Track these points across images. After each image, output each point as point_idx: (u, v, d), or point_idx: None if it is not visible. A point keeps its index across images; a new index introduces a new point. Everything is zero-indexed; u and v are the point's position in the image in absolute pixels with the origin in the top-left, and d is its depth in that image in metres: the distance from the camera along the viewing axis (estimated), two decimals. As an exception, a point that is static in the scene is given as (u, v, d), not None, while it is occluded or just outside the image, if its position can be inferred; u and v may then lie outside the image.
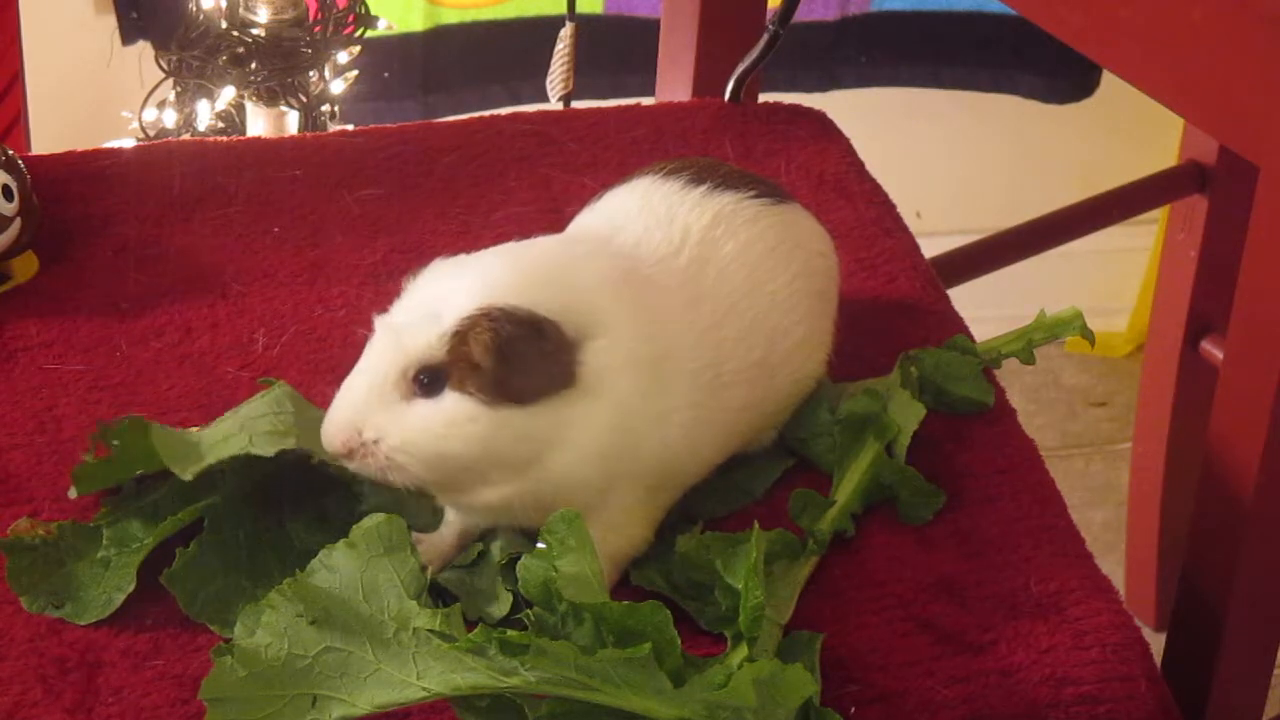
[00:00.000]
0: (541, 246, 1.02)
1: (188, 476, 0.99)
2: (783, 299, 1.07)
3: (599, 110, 1.40)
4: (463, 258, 1.00)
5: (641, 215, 1.06)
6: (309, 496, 1.03)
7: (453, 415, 0.95)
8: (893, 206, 1.33)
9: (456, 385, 0.95)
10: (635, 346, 0.98)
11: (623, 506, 1.00)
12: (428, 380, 0.95)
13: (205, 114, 1.76)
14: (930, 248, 1.42)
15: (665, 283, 1.02)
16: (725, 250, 1.05)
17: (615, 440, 0.98)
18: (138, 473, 1.03)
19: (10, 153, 1.21)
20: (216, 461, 1.00)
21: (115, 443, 1.03)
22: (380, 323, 0.98)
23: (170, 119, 1.78)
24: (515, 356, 0.95)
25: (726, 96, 1.43)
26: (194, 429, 1.03)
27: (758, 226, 1.07)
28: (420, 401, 0.96)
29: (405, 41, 2.04)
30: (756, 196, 1.08)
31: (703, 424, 1.02)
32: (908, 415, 1.09)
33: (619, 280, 1.00)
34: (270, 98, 1.75)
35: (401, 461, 0.96)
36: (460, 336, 0.95)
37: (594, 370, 0.97)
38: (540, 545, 0.92)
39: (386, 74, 2.04)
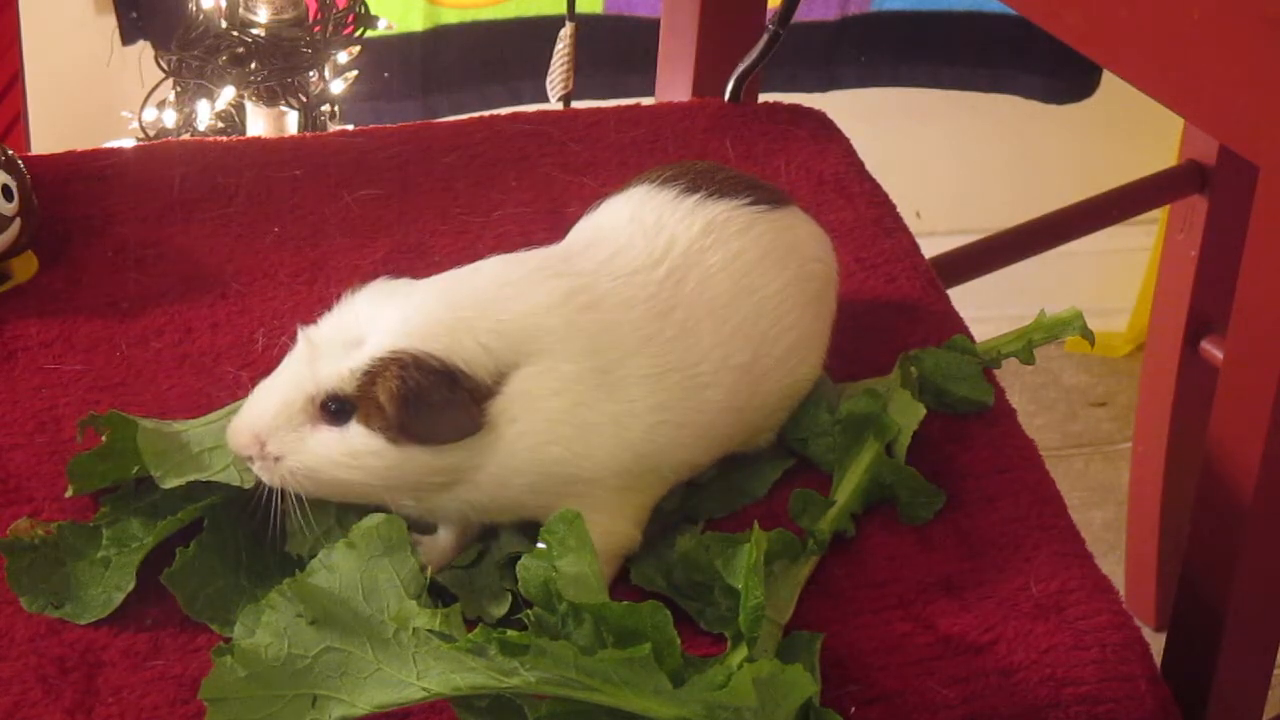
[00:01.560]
0: (483, 275, 1.02)
1: (166, 485, 0.99)
2: (773, 305, 1.07)
3: (599, 110, 1.40)
4: (403, 284, 1.00)
5: (629, 226, 1.07)
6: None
7: (355, 448, 0.97)
8: (893, 206, 1.33)
9: (363, 420, 0.96)
10: (571, 365, 0.99)
11: (590, 507, 1.00)
12: (335, 409, 0.96)
13: (205, 114, 1.76)
14: (930, 248, 1.42)
15: (629, 295, 1.03)
16: (712, 259, 1.06)
17: (548, 454, 0.99)
18: (135, 471, 1.03)
19: (10, 153, 1.21)
20: (196, 479, 1.00)
21: (107, 435, 1.03)
22: (303, 334, 0.99)
23: (170, 119, 1.78)
24: (422, 405, 0.95)
25: (726, 96, 1.43)
26: (185, 424, 1.03)
27: (750, 234, 1.08)
28: (325, 428, 0.97)
29: (405, 41, 2.04)
30: (752, 204, 1.09)
31: (672, 425, 1.02)
32: (908, 415, 1.09)
33: (561, 301, 1.00)
34: (270, 98, 1.75)
35: (300, 481, 0.97)
36: (370, 377, 0.96)
37: (521, 394, 0.98)
38: (540, 545, 0.93)
39: (386, 74, 2.04)
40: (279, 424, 0.96)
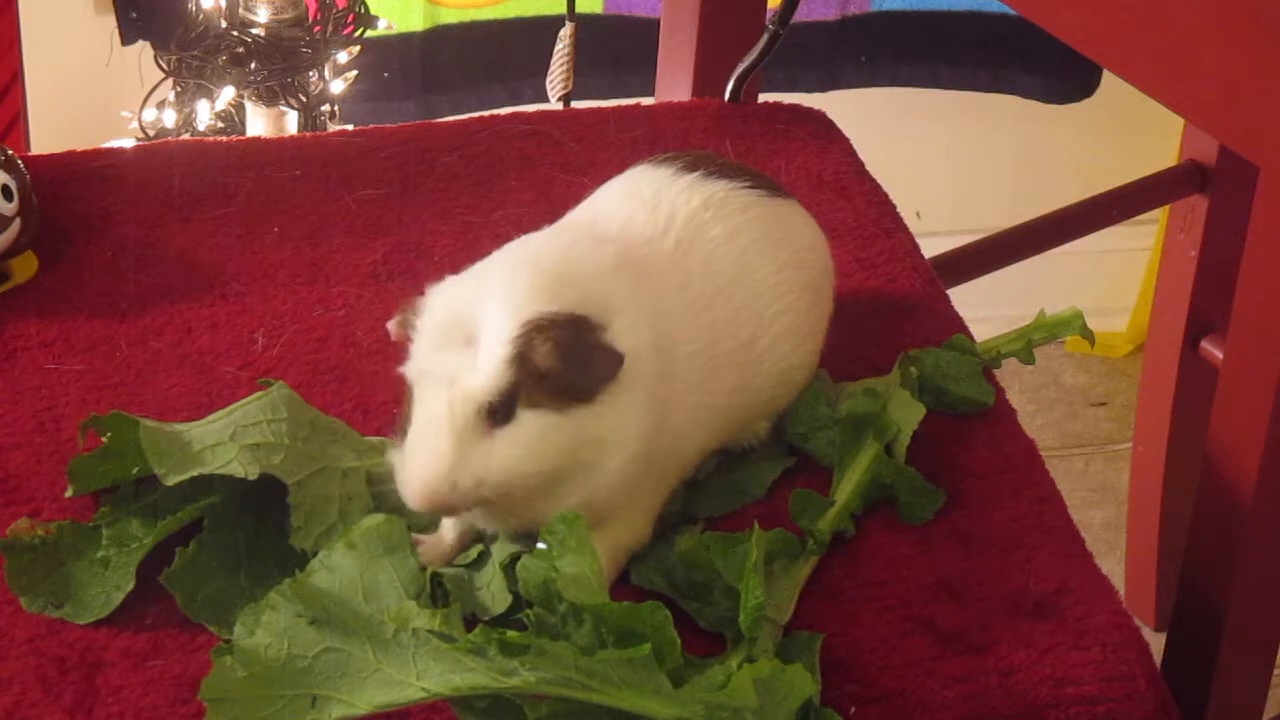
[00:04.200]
0: (535, 245, 1.01)
1: (169, 482, 0.99)
2: (769, 286, 1.07)
3: (599, 110, 1.40)
4: (462, 279, 0.99)
5: (627, 202, 1.06)
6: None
7: (535, 431, 0.95)
8: (893, 206, 1.33)
9: (527, 403, 0.95)
10: (647, 330, 0.99)
11: (641, 500, 1.00)
12: (499, 409, 0.95)
13: (205, 114, 1.76)
14: (930, 248, 1.42)
15: (657, 263, 1.03)
16: (713, 234, 1.06)
17: (651, 426, 0.98)
18: (135, 471, 1.03)
19: (10, 153, 1.21)
20: (200, 474, 1.00)
21: (108, 436, 1.03)
22: (414, 374, 0.97)
23: (170, 119, 1.78)
24: (575, 357, 0.95)
25: (726, 96, 1.43)
26: (186, 425, 1.03)
27: (747, 215, 1.08)
28: (499, 432, 0.95)
29: (405, 41, 2.04)
30: (751, 187, 1.09)
31: (700, 408, 1.02)
32: (908, 415, 1.09)
33: (617, 264, 1.00)
34: (270, 98, 1.76)
35: (503, 492, 0.96)
36: (521, 357, 0.94)
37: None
38: (540, 545, 0.93)
39: (386, 74, 2.04)
40: (460, 456, 0.94)
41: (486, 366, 0.95)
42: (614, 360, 0.96)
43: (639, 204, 1.06)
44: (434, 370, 0.96)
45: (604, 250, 1.01)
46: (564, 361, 0.94)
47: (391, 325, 1.00)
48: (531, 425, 0.95)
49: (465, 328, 0.96)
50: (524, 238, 1.03)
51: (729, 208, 1.07)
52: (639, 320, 0.98)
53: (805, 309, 1.09)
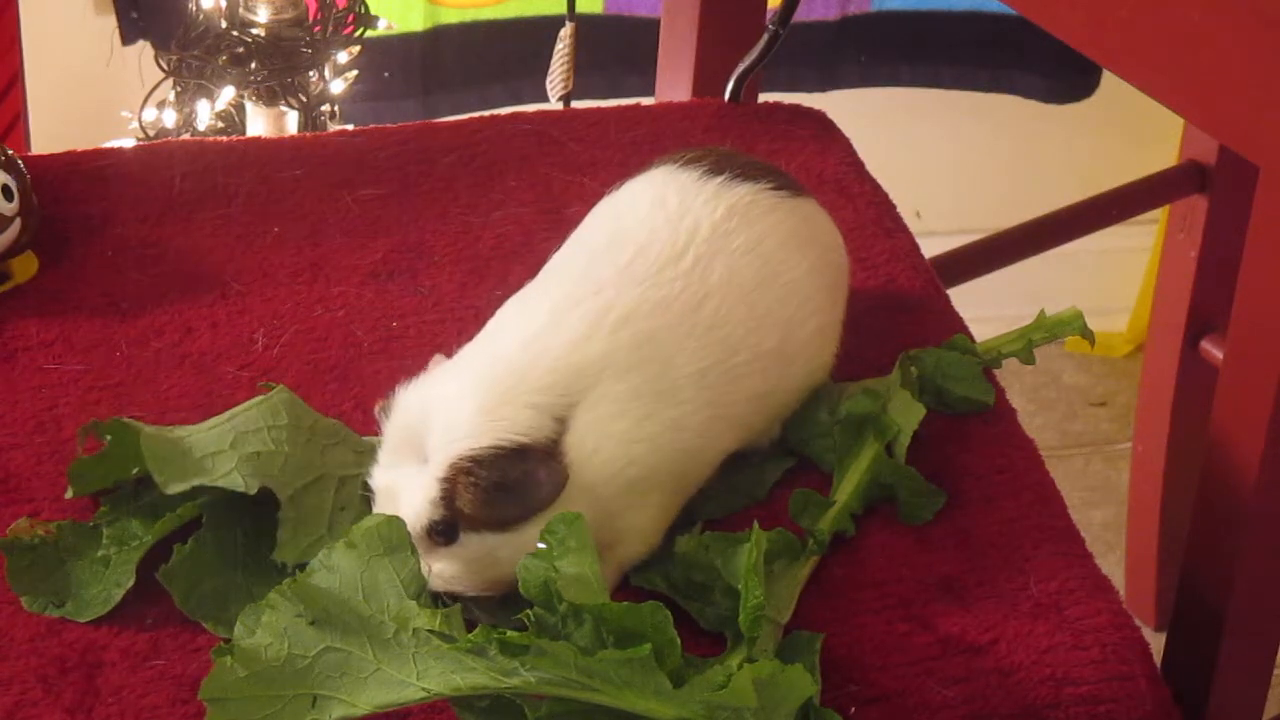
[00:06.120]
0: (509, 334, 1.01)
1: (170, 491, 0.99)
2: (798, 289, 1.07)
3: (599, 110, 1.40)
4: (428, 384, 0.99)
5: (651, 214, 1.06)
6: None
7: (476, 553, 0.97)
8: (893, 206, 1.33)
9: (468, 528, 0.96)
10: (623, 385, 0.99)
11: (649, 515, 1.01)
12: (442, 531, 0.97)
13: (205, 114, 1.76)
14: (930, 248, 1.42)
15: (659, 297, 1.03)
16: (737, 243, 1.06)
17: (629, 474, 0.99)
18: (134, 472, 1.03)
19: (10, 153, 1.21)
20: (199, 484, 1.00)
21: (108, 439, 1.03)
22: (375, 482, 0.99)
23: (170, 119, 1.78)
24: (505, 493, 0.96)
25: (726, 96, 1.43)
26: (186, 429, 1.03)
27: (773, 217, 1.08)
28: (443, 550, 0.97)
29: (405, 41, 2.04)
30: (775, 189, 1.09)
31: (717, 419, 1.02)
32: (908, 415, 1.09)
33: (593, 327, 1.00)
34: (270, 98, 1.75)
35: (461, 592, 0.97)
36: (448, 499, 0.96)
37: (588, 426, 0.98)
38: (540, 545, 0.93)
39: (386, 74, 2.04)
40: None
41: (417, 504, 0.96)
42: (555, 483, 0.96)
43: (663, 218, 1.06)
44: (385, 489, 0.98)
45: (582, 314, 1.01)
46: (488, 505, 0.95)
47: (376, 410, 1.01)
48: (472, 546, 0.97)
49: (420, 444, 0.98)
50: (501, 317, 1.03)
51: (755, 212, 1.07)
52: (617, 376, 0.99)
53: (830, 310, 1.10)
